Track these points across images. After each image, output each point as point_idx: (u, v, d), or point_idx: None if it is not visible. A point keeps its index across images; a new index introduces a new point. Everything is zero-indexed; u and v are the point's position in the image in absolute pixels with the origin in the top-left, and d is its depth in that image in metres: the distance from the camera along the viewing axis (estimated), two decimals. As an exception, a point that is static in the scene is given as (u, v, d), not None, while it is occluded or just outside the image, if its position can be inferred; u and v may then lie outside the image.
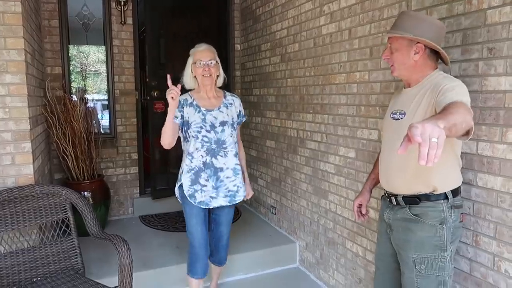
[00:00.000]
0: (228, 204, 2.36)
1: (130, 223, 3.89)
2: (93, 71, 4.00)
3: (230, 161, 2.34)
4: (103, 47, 3.89)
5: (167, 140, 2.16)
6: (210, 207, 2.36)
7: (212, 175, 2.30)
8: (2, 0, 2.27)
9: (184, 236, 3.70)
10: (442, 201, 1.54)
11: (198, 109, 2.29)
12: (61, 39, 3.63)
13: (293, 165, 3.34)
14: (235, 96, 2.49)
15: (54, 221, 2.44)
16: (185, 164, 2.31)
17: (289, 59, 3.30)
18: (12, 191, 2.30)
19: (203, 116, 2.28)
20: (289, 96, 3.34)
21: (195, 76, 2.32)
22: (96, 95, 4.06)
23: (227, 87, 4.36)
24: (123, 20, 3.77)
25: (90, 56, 3.96)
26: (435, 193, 1.54)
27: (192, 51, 2.34)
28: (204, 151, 2.28)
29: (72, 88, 3.79)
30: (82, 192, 3.41)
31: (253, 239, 3.42)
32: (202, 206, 2.32)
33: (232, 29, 4.28)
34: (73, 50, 3.86)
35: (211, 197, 2.31)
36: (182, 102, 2.25)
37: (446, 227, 1.53)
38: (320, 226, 3.00)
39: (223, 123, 2.32)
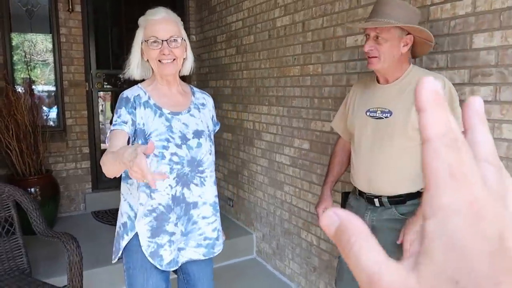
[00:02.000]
0: (203, 257, 1.58)
1: (82, 219, 3.74)
2: (41, 61, 3.78)
3: (209, 193, 1.56)
4: (50, 36, 3.68)
5: (112, 171, 1.25)
6: (178, 266, 1.54)
7: (183, 215, 1.50)
8: None
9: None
10: None
11: (158, 111, 1.45)
12: (1, 26, 3.40)
13: (249, 157, 3.35)
14: (206, 93, 1.67)
15: (-4, 220, 2.30)
16: (140, 202, 1.44)
17: (244, 51, 3.30)
18: None
19: (167, 122, 1.45)
20: (245, 88, 3.34)
21: (147, 60, 1.47)
22: (46, 87, 3.84)
23: (183, 79, 4.30)
24: (70, 7, 3.58)
25: (37, 45, 3.73)
26: (422, 191, 1.53)
27: (141, 21, 1.46)
28: (174, 179, 1.44)
29: (16, 79, 3.57)
30: (29, 189, 3.24)
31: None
32: (171, 269, 1.51)
33: (187, 19, 4.20)
34: (17, 38, 3.62)
35: (178, 249, 1.52)
36: (132, 99, 1.43)
37: None
38: (276, 217, 3.04)
39: (197, 134, 1.50)
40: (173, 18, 1.46)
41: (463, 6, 1.59)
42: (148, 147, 1.01)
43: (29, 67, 3.63)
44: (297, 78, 2.67)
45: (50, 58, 3.74)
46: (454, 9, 1.62)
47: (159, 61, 1.42)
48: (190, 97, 1.58)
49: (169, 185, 1.45)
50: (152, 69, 1.50)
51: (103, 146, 3.99)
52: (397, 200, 1.55)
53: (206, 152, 1.52)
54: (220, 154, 3.85)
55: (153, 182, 0.99)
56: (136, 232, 1.45)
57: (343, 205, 1.83)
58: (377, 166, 1.55)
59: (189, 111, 1.53)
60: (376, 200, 1.59)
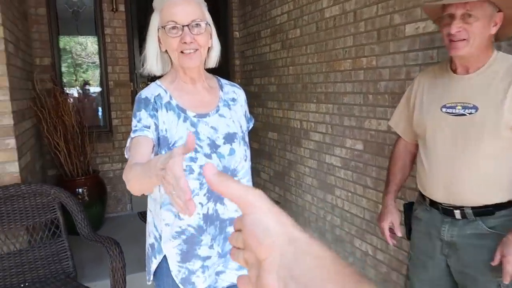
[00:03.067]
0: None
1: (128, 220, 3.74)
2: (90, 62, 3.83)
3: None
4: (95, 37, 3.71)
5: (140, 188, 1.03)
6: None
7: (218, 235, 1.27)
8: (-22, -14, 2.10)
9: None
10: None
11: (182, 114, 1.21)
12: (49, 28, 3.45)
13: (297, 158, 3.17)
14: (236, 85, 1.43)
15: (43, 222, 2.29)
16: (165, 222, 1.25)
17: (290, 46, 3.11)
18: (-5, 191, 2.15)
19: (193, 127, 1.21)
20: (291, 85, 3.16)
21: (165, 51, 1.23)
22: (92, 87, 3.89)
23: (227, 77, 4.20)
24: (114, 7, 3.58)
25: (84, 47, 3.78)
26: (505, 201, 1.30)
27: (157, 3, 1.20)
28: (205, 195, 1.22)
29: (63, 80, 3.62)
30: (77, 189, 3.27)
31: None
32: None
33: (230, 15, 4.08)
34: (64, 40, 3.68)
35: (217, 273, 1.31)
36: (152, 100, 1.19)
37: None
38: (326, 223, 2.84)
39: (229, 138, 1.27)
40: None
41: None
42: (187, 142, 0.70)
43: (76, 69, 3.67)
44: (348, 72, 2.45)
45: (96, 59, 3.77)
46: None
47: (181, 52, 1.17)
48: (218, 93, 1.32)
49: (200, 203, 1.21)
50: (171, 62, 1.24)
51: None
52: (484, 211, 1.30)
53: (240, 159, 1.28)
54: (265, 154, 3.70)
55: (186, 203, 0.68)
56: (165, 255, 1.26)
57: (408, 218, 1.60)
58: (460, 172, 1.31)
59: (217, 111, 1.28)
60: (457, 212, 1.35)
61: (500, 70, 1.25)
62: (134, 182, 1.01)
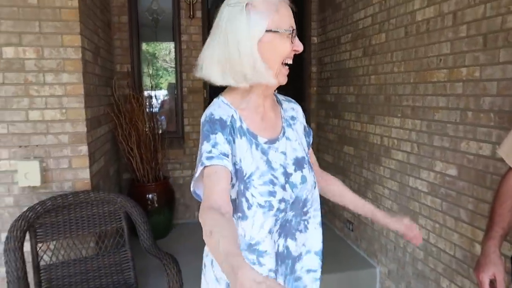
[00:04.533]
0: None
1: (195, 228, 3.69)
2: (167, 68, 3.89)
3: (314, 238, 1.15)
4: (172, 43, 3.74)
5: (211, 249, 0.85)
6: None
7: (288, 274, 1.12)
8: (59, -4, 2.15)
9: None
10: None
11: (254, 141, 1.04)
12: (130, 35, 3.54)
13: (375, 177, 2.85)
14: (291, 100, 1.24)
15: (109, 231, 2.29)
16: None
17: (373, 53, 2.81)
18: (67, 197, 2.18)
19: (264, 155, 1.04)
20: (372, 96, 2.85)
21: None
22: (168, 93, 3.94)
23: (302, 84, 4.01)
24: (191, 13, 3.57)
25: (162, 52, 3.84)
26: None
27: (267, 4, 0.98)
28: (277, 231, 1.06)
29: (142, 85, 3.70)
30: (147, 195, 3.29)
31: (326, 258, 3.01)
32: None
33: (309, 19, 3.86)
34: (144, 47, 3.76)
35: None
36: (229, 123, 1.01)
37: None
38: (407, 254, 2.49)
39: (299, 163, 1.10)
40: None
41: None
42: None
43: (153, 74, 3.73)
44: (442, 84, 2.10)
45: (173, 64, 3.81)
46: None
47: (285, 64, 1.01)
48: (279, 111, 1.14)
49: (273, 241, 1.05)
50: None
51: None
52: None
53: (311, 187, 1.10)
54: (339, 169, 3.41)
55: None
56: None
57: None
58: None
59: (284, 134, 1.10)
60: None
61: None
62: (209, 247, 0.82)
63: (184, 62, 3.66)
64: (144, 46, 3.78)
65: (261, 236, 1.01)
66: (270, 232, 1.02)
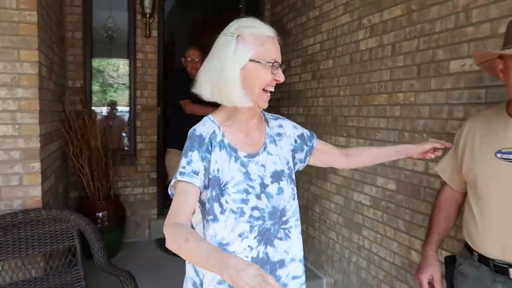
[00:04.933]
0: None
1: (146, 247, 3.66)
2: (118, 85, 3.87)
3: (297, 246, 1.24)
4: (127, 60, 3.75)
5: (186, 256, 1.01)
6: None
7: None
8: (17, 10, 2.14)
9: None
10: None
11: (233, 154, 1.17)
12: (84, 51, 3.51)
13: (322, 193, 3.04)
14: (280, 117, 1.36)
15: (60, 249, 2.23)
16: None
17: (321, 77, 3.04)
18: (16, 215, 2.12)
19: (243, 168, 1.17)
20: (320, 116, 3.06)
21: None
22: (120, 111, 3.92)
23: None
24: (147, 32, 3.62)
25: (115, 68, 3.83)
26: None
27: (251, 33, 1.12)
28: (255, 238, 1.16)
29: (93, 103, 3.65)
30: (97, 213, 3.22)
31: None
32: None
33: (261, 43, 4.06)
34: (96, 63, 3.74)
35: None
36: (207, 140, 1.14)
37: None
38: (351, 264, 2.67)
39: (277, 176, 1.22)
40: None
41: None
42: None
43: (105, 90, 3.70)
44: (383, 107, 2.34)
45: (126, 82, 3.81)
46: None
47: (265, 90, 1.14)
48: (265, 129, 1.27)
49: (249, 246, 1.14)
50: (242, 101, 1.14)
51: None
52: None
53: (289, 198, 1.22)
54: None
55: None
56: None
57: (450, 273, 1.44)
58: None
59: (265, 149, 1.22)
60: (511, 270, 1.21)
61: None
62: (187, 255, 0.96)
63: (139, 80, 3.68)
64: (97, 62, 3.75)
65: (231, 238, 1.12)
66: (240, 236, 1.13)
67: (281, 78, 1.14)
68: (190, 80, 2.70)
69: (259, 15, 4.07)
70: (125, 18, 3.66)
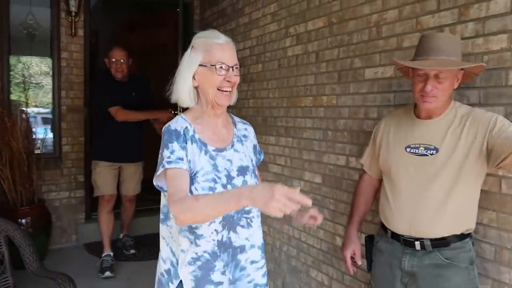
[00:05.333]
0: None
1: (74, 252, 3.53)
2: (36, 83, 3.67)
3: (257, 234, 1.40)
4: (48, 59, 3.58)
5: (208, 215, 1.17)
6: None
7: (230, 262, 1.35)
8: None
9: (137, 266, 3.45)
10: (469, 239, 1.46)
11: (203, 148, 1.31)
12: (1, 49, 3.28)
13: (254, 189, 3.22)
14: (246, 122, 1.54)
15: (-15, 257, 2.11)
16: (181, 249, 1.32)
17: (251, 80, 3.22)
18: None
19: (212, 160, 1.31)
20: (251, 117, 3.24)
21: (196, 87, 1.32)
22: (42, 111, 3.71)
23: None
24: (73, 31, 3.50)
25: (32, 68, 3.63)
26: (466, 233, 1.46)
27: (201, 42, 1.31)
28: (220, 223, 1.31)
29: (12, 103, 3.43)
30: (20, 220, 3.05)
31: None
32: None
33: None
34: (15, 61, 3.51)
35: None
36: (182, 133, 1.29)
37: (475, 268, 1.45)
38: (282, 253, 2.89)
39: (242, 171, 1.37)
40: (233, 43, 1.37)
41: (498, 41, 1.52)
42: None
43: (26, 91, 3.49)
44: (309, 109, 2.58)
45: (44, 80, 3.63)
46: (488, 43, 1.56)
47: (220, 90, 1.30)
48: (233, 129, 1.44)
49: (215, 230, 1.30)
50: (200, 100, 1.34)
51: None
52: (441, 243, 1.43)
53: None
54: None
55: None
56: (181, 280, 1.31)
57: (369, 250, 1.70)
58: (422, 207, 1.44)
59: (232, 146, 1.39)
60: (417, 243, 1.47)
61: (457, 117, 1.42)
62: (202, 210, 1.12)
63: (64, 80, 3.54)
64: (16, 60, 3.52)
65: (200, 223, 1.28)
66: (209, 221, 1.28)
67: (232, 78, 1.29)
68: (116, 83, 3.00)
69: (190, 19, 4.15)
70: (47, 15, 3.50)
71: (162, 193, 1.39)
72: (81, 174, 3.72)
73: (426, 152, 1.44)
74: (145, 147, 3.40)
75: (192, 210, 1.11)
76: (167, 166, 1.22)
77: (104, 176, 3.26)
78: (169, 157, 1.23)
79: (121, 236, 3.65)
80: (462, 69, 1.41)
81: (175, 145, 1.25)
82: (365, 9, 2.11)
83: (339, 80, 2.32)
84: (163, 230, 1.39)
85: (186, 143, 1.27)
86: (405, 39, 1.89)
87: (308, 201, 0.99)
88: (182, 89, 1.31)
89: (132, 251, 3.55)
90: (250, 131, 1.51)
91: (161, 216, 1.39)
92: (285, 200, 0.95)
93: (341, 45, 2.29)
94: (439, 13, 1.73)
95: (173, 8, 4.07)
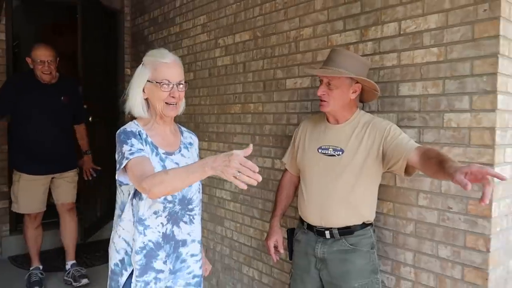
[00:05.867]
0: None
1: (-3, 266, 3.36)
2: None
3: (197, 230, 1.59)
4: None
5: (177, 186, 1.26)
6: None
7: (171, 253, 1.51)
8: None
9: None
10: (370, 227, 1.71)
11: (155, 150, 1.47)
12: None
13: (188, 193, 3.32)
14: (192, 132, 1.72)
15: None
16: (134, 238, 1.46)
17: (183, 87, 3.33)
18: None
19: (161, 162, 1.47)
20: (184, 123, 3.32)
21: (146, 98, 1.48)
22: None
23: (117, 112, 4.19)
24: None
25: None
26: (367, 222, 1.70)
27: (150, 62, 1.47)
28: (166, 217, 1.48)
29: None
30: None
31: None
32: None
33: (122, 52, 4.14)
34: None
35: (166, 287, 1.54)
36: (137, 133, 1.43)
37: (375, 251, 1.71)
38: (216, 253, 3.02)
39: None
40: (179, 62, 1.52)
41: (390, 59, 1.81)
42: (247, 150, 1.11)
43: None
44: (238, 115, 2.76)
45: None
46: (382, 60, 1.84)
47: (167, 103, 1.46)
48: (180, 137, 1.61)
49: (161, 223, 1.47)
50: (150, 111, 1.50)
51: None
52: (346, 231, 1.67)
53: (195, 191, 1.56)
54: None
55: (255, 175, 1.08)
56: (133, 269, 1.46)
57: (290, 241, 1.90)
58: (330, 200, 1.67)
59: (180, 151, 1.56)
60: (327, 232, 1.69)
61: (360, 124, 1.68)
62: (172, 181, 1.22)
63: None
64: None
65: (148, 214, 1.45)
66: (156, 213, 1.46)
67: (175, 94, 1.46)
68: (40, 85, 2.97)
69: (119, 25, 4.14)
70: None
71: (118, 190, 1.53)
72: (4, 184, 3.55)
73: (334, 152, 1.69)
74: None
75: (163, 182, 1.23)
76: (130, 157, 1.34)
77: (30, 191, 2.97)
78: (130, 150, 1.36)
79: (67, 266, 3.19)
80: (357, 82, 1.66)
81: (134, 141, 1.40)
82: (285, 25, 2.34)
83: (264, 89, 2.53)
84: (116, 222, 1.52)
85: (142, 143, 1.42)
86: (318, 54, 2.15)
87: (249, 150, 1.11)
88: (134, 101, 1.47)
89: (84, 281, 3.09)
90: (195, 140, 1.70)
91: (118, 212, 1.52)
92: (239, 166, 1.06)
93: (265, 57, 2.50)
94: (345, 32, 2.01)
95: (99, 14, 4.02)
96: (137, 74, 1.48)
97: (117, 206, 1.55)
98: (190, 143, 1.64)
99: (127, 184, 1.46)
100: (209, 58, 3.01)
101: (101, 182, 3.59)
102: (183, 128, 1.67)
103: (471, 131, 1.56)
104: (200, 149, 3.09)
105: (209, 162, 1.13)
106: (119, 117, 4.13)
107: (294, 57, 2.30)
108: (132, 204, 1.47)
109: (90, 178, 3.36)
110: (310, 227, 1.76)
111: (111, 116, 4.02)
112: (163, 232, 1.48)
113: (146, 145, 1.44)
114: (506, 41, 1.52)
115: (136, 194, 1.46)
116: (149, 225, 1.45)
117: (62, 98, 3.05)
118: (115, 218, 1.55)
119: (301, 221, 1.83)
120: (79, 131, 3.28)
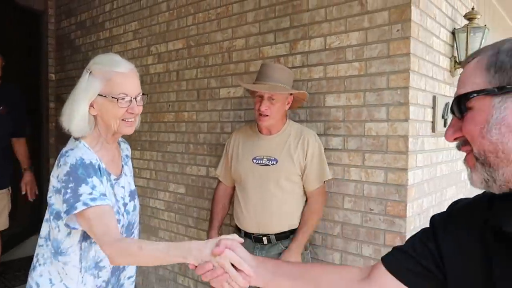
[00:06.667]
0: None
1: None
2: None
3: None
4: None
5: (152, 262, 1.12)
6: None
7: (115, 282, 1.36)
8: None
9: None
10: None
11: (108, 178, 1.24)
12: None
13: (119, 204, 3.21)
14: (126, 141, 1.47)
15: None
16: (84, 283, 1.24)
17: (114, 94, 3.22)
18: None
19: (112, 189, 1.25)
20: (114, 132, 3.24)
21: (95, 115, 1.21)
22: None
23: (40, 120, 3.92)
24: None
25: None
26: (295, 228, 1.78)
27: (99, 70, 1.19)
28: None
29: None
30: None
31: None
32: None
33: (45, 57, 3.89)
34: None
35: None
36: (96, 165, 1.19)
37: (309, 253, 1.82)
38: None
39: (132, 195, 1.36)
40: (136, 71, 1.26)
41: (317, 71, 1.93)
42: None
43: None
44: (172, 124, 2.74)
45: None
46: (310, 73, 1.96)
47: (124, 120, 1.20)
48: (120, 150, 1.37)
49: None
50: (98, 128, 1.22)
51: None
52: (282, 236, 1.76)
53: (137, 213, 1.37)
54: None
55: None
56: None
57: None
58: (266, 208, 1.74)
59: (123, 171, 1.33)
60: (264, 238, 1.76)
61: (291, 135, 1.77)
62: (144, 260, 1.07)
63: None
64: None
65: (103, 255, 1.21)
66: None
67: (134, 110, 1.20)
68: None
69: (42, 27, 3.91)
70: None
71: (46, 225, 1.26)
72: None
73: (268, 162, 1.76)
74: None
75: (134, 258, 1.07)
76: (91, 203, 1.09)
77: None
78: (91, 193, 1.10)
79: None
80: (291, 94, 1.75)
81: (95, 180, 1.13)
82: (218, 36, 2.39)
83: (198, 98, 2.55)
84: (53, 267, 1.24)
85: (101, 177, 1.18)
86: (251, 65, 2.22)
87: (240, 240, 1.03)
88: (75, 118, 1.17)
89: None
90: (129, 149, 1.49)
91: (52, 251, 1.24)
92: (231, 272, 0.95)
93: (199, 66, 2.52)
94: (276, 45, 2.10)
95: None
96: (82, 85, 1.18)
97: (46, 241, 1.25)
98: (127, 156, 1.43)
99: (76, 229, 1.19)
100: (141, 65, 2.95)
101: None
102: (119, 139, 1.40)
103: (388, 139, 1.72)
104: (132, 158, 3.03)
105: (193, 253, 0.96)
106: (42, 126, 3.87)
107: (227, 67, 2.35)
108: (81, 248, 1.22)
109: (34, 198, 2.96)
110: (248, 235, 1.81)
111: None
112: (112, 267, 1.29)
113: (102, 176, 1.20)
114: (416, 58, 1.71)
115: (87, 237, 1.21)
116: (104, 266, 1.26)
117: (1, 107, 2.70)
118: (41, 255, 1.26)
119: (238, 229, 1.87)
120: (19, 146, 2.87)
